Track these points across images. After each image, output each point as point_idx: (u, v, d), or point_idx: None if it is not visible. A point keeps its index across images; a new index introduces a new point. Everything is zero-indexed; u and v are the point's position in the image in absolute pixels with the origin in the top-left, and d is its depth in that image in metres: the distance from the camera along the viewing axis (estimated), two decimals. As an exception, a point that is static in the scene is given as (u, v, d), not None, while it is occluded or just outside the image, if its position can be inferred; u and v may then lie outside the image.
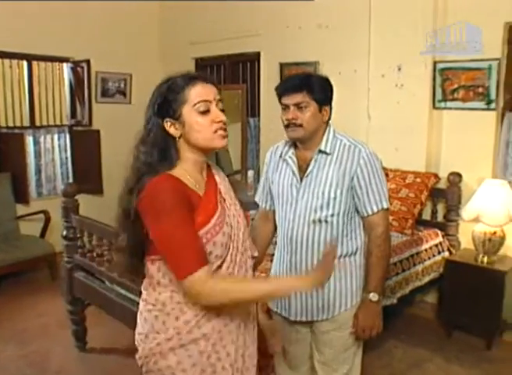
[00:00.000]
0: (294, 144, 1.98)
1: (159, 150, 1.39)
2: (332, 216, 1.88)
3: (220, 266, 1.40)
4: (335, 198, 1.86)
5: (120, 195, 1.43)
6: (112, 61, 5.24)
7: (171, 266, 1.35)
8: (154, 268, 1.41)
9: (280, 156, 2.01)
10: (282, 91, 1.89)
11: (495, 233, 3.19)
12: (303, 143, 1.93)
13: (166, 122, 1.39)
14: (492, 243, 3.19)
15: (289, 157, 1.97)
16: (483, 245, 3.22)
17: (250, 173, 4.65)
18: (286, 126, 1.89)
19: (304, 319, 1.98)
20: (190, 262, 1.30)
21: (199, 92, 1.39)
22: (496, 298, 3.12)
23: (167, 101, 1.40)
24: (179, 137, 1.40)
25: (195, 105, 1.38)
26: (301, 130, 1.87)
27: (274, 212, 2.08)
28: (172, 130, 1.40)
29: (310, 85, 1.85)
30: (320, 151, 1.90)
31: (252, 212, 2.29)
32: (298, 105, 1.85)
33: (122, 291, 2.71)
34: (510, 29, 3.26)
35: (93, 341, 3.26)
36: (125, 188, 1.41)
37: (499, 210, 3.11)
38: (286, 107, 1.88)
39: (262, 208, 2.15)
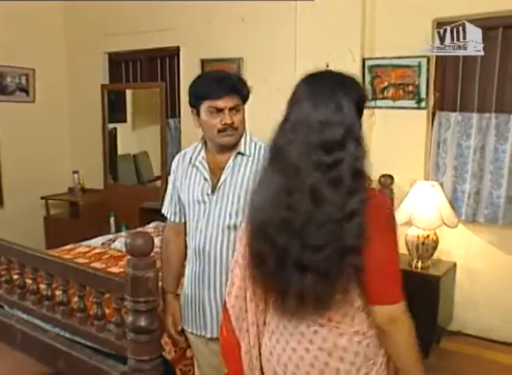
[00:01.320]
0: (205, 148, 1.96)
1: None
2: None
3: None
4: None
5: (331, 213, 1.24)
6: (10, 53, 4.87)
7: (382, 287, 1.32)
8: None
9: (190, 162, 1.97)
10: (217, 93, 1.83)
11: (428, 236, 3.27)
12: (229, 148, 1.91)
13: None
14: (426, 247, 3.28)
15: (200, 162, 1.94)
16: (417, 250, 3.30)
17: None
18: (221, 131, 1.85)
19: None
20: (400, 288, 1.33)
21: None
22: (431, 303, 3.19)
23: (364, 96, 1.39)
24: None
25: None
26: (237, 134, 1.88)
27: (185, 224, 2.05)
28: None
29: (240, 87, 1.87)
30: (239, 154, 1.91)
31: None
32: (234, 109, 1.85)
33: (25, 316, 2.52)
34: (438, 25, 3.39)
35: (-11, 377, 3.01)
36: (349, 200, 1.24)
37: (431, 213, 3.20)
38: (219, 111, 1.83)
39: (172, 222, 2.10)
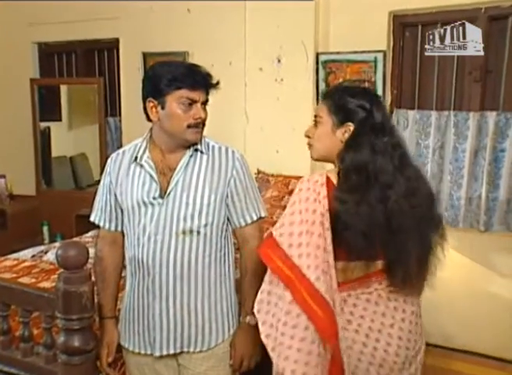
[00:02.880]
0: (149, 147, 1.88)
1: None
2: (206, 226, 1.82)
3: None
4: (208, 205, 1.81)
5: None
6: None
7: None
8: None
9: (134, 161, 1.87)
10: (194, 83, 1.75)
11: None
12: (182, 147, 1.84)
13: None
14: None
15: (146, 161, 1.85)
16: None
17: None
18: (191, 126, 1.77)
19: (171, 351, 1.85)
20: None
21: None
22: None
23: None
24: None
25: None
26: (202, 131, 1.83)
27: (122, 233, 1.94)
28: None
29: (211, 82, 1.81)
30: (196, 151, 1.84)
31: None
32: (204, 103, 1.80)
33: None
34: (395, 18, 3.42)
35: None
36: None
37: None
38: (192, 102, 1.76)
39: (105, 230, 1.98)
